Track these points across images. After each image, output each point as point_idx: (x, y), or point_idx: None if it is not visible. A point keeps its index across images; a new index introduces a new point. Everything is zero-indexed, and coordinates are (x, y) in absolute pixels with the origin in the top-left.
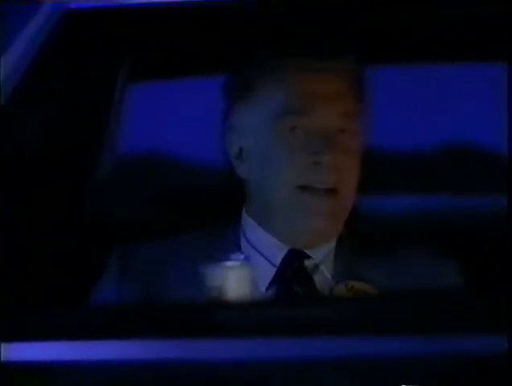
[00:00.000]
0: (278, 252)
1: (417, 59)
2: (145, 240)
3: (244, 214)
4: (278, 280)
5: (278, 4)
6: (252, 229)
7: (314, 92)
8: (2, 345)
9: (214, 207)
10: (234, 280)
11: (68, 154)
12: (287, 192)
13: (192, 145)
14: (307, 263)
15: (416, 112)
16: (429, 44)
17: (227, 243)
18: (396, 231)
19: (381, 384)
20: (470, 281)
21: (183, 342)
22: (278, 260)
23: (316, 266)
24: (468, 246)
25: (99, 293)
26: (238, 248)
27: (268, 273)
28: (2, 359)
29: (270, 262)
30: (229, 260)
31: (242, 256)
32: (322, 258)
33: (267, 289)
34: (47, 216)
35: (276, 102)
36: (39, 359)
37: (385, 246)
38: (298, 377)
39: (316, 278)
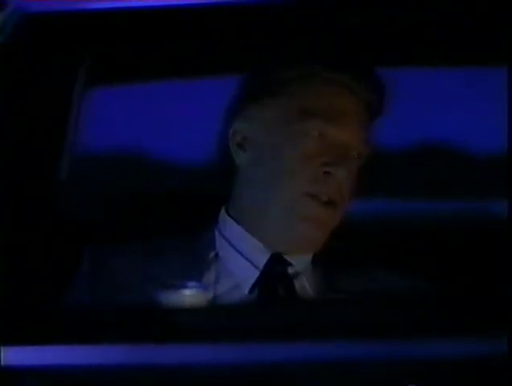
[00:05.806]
0: (261, 255)
1: (413, 61)
2: (118, 243)
3: (223, 213)
4: (262, 283)
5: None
6: (232, 229)
7: (344, 105)
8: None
9: (187, 208)
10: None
11: (37, 155)
12: (292, 196)
13: (165, 147)
14: (290, 270)
15: (414, 113)
16: (425, 45)
17: (201, 244)
18: (372, 244)
19: None
20: (469, 283)
21: (153, 346)
22: (260, 263)
23: (297, 274)
24: (467, 247)
25: (71, 295)
26: (213, 248)
27: (250, 275)
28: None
29: (252, 264)
30: (186, 287)
31: (199, 285)
32: (302, 267)
33: (250, 291)
34: (18, 218)
35: (305, 105)
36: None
37: (360, 261)
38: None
39: (297, 285)
